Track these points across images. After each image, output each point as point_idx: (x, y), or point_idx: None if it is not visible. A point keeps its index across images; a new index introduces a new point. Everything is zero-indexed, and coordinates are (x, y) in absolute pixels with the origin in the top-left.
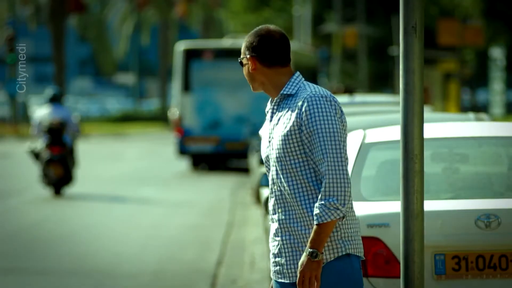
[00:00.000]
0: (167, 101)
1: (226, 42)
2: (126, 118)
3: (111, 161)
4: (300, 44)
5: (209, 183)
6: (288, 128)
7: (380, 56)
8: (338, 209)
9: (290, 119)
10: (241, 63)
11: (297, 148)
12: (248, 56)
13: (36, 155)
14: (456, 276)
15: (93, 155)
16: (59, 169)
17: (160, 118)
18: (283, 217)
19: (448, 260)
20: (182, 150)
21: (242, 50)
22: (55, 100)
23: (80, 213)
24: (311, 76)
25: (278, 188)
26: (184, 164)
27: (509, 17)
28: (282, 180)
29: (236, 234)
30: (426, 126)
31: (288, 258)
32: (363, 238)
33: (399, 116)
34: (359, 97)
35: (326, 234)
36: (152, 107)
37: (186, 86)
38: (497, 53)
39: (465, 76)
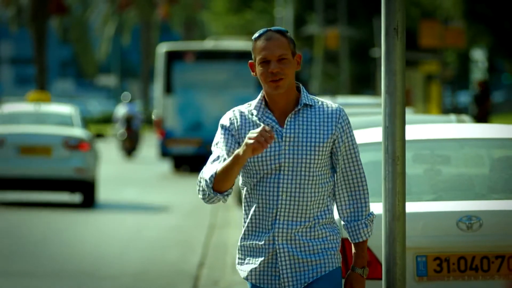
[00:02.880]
0: (149, 103)
1: (208, 44)
2: (108, 120)
3: None
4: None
5: (191, 185)
6: (322, 139)
7: (362, 57)
8: (373, 223)
9: (321, 130)
10: (282, 59)
11: (326, 158)
12: (297, 53)
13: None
14: (437, 277)
15: None
16: (130, 142)
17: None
18: (285, 226)
19: (430, 261)
20: (164, 152)
21: (284, 46)
22: (130, 101)
23: (61, 214)
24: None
25: (289, 196)
26: (166, 166)
27: (490, 19)
28: (301, 189)
29: (218, 235)
30: (408, 127)
31: (286, 267)
32: (345, 239)
33: (380, 118)
34: (341, 99)
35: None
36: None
37: (168, 88)
38: (478, 54)
39: (447, 78)
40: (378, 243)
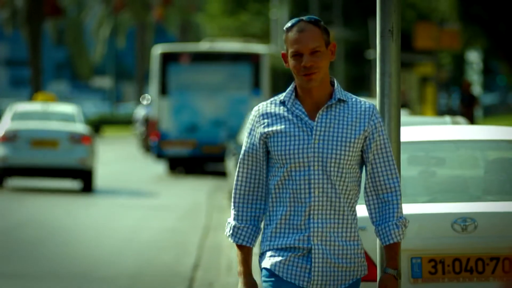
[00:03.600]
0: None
1: (204, 46)
2: (103, 122)
3: None
4: (277, 48)
5: (186, 187)
6: (353, 135)
7: (357, 59)
8: (406, 227)
9: (355, 125)
10: (315, 51)
11: (356, 155)
12: (331, 42)
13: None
14: (432, 279)
15: None
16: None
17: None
18: (320, 224)
19: (424, 263)
20: (159, 154)
21: (317, 37)
22: (148, 104)
23: (57, 215)
24: (288, 80)
25: (322, 193)
26: (161, 167)
27: (485, 21)
28: (332, 185)
29: (213, 237)
30: (403, 129)
31: (318, 269)
32: None
33: None
34: None
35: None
36: (129, 110)
37: (163, 90)
38: (473, 56)
39: (442, 80)
40: (373, 245)
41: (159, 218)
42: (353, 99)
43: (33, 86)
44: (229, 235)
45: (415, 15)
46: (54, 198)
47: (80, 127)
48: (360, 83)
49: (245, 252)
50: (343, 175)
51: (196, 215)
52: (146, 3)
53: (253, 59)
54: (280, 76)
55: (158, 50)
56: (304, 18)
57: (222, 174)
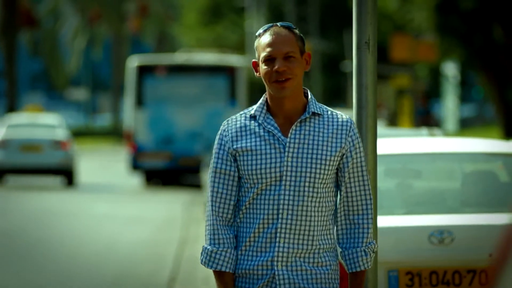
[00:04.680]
0: (119, 116)
1: (180, 58)
2: (79, 133)
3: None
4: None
5: (162, 199)
6: (329, 152)
7: (334, 71)
8: (375, 252)
9: (331, 142)
10: (289, 56)
11: (332, 173)
12: (306, 52)
13: None
14: None
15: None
16: None
17: (112, 133)
18: (286, 249)
19: (401, 276)
20: (135, 166)
21: (291, 42)
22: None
23: (32, 228)
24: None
25: (291, 215)
26: (137, 179)
27: (462, 32)
28: (303, 206)
29: (189, 250)
30: (380, 141)
31: None
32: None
33: None
34: None
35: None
36: (104, 122)
37: (139, 101)
38: (450, 68)
39: (418, 92)
40: None
41: (135, 230)
42: (329, 113)
43: (8, 98)
44: (205, 262)
45: (392, 27)
46: (29, 210)
47: (61, 135)
48: (336, 95)
49: (226, 279)
50: (318, 195)
51: (172, 227)
52: (121, 14)
53: (229, 71)
54: (257, 88)
55: (134, 61)
56: (277, 23)
57: (197, 186)
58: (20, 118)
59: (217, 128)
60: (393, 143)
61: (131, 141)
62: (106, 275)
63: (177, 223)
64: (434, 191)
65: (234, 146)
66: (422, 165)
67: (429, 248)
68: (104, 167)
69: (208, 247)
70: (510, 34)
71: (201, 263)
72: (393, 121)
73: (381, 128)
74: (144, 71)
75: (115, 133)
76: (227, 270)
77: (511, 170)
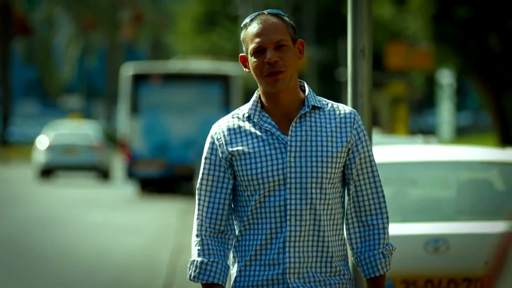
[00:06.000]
0: (113, 124)
1: (174, 66)
2: None
3: (58, 185)
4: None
5: (157, 207)
6: (335, 148)
7: (328, 78)
8: (393, 255)
9: (335, 136)
10: (281, 45)
11: (339, 171)
12: (298, 39)
13: None
14: None
15: (40, 179)
16: None
17: (106, 141)
18: (297, 259)
19: (397, 284)
20: (130, 174)
21: (282, 30)
22: None
23: (26, 236)
24: None
25: (300, 221)
26: (131, 187)
27: (457, 41)
28: (311, 210)
29: (184, 258)
30: (375, 149)
31: None
32: None
33: None
34: None
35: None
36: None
37: (134, 109)
38: (446, 76)
39: (414, 100)
40: None
41: (129, 238)
42: (329, 105)
43: (2, 106)
44: (194, 276)
45: (387, 35)
46: (24, 217)
47: (94, 140)
48: None
49: None
50: (326, 196)
51: (166, 235)
52: (116, 22)
53: (223, 79)
54: (251, 96)
55: (128, 69)
56: (264, 11)
57: (192, 194)
58: (63, 126)
59: None
60: (389, 151)
61: (126, 149)
62: (100, 283)
63: (171, 231)
64: (430, 199)
65: (230, 150)
66: (418, 173)
67: (424, 256)
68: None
69: (197, 258)
70: (506, 42)
71: (190, 279)
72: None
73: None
74: (139, 79)
75: (109, 141)
76: (219, 283)
77: (506, 178)
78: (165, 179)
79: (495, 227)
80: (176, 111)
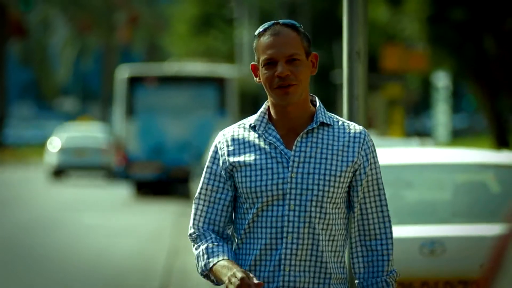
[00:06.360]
0: (109, 126)
1: (170, 68)
2: None
3: (54, 187)
4: (243, 70)
5: (152, 210)
6: (340, 167)
7: (323, 81)
8: (395, 283)
9: (341, 155)
10: (293, 59)
11: (343, 191)
12: (312, 53)
13: None
14: None
15: (36, 181)
16: None
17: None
18: (292, 279)
19: None
20: (126, 176)
21: (295, 43)
22: None
23: (22, 239)
24: (254, 103)
25: (297, 239)
26: (127, 189)
27: (453, 43)
28: (310, 228)
29: (179, 261)
30: None
31: None
32: None
33: None
34: None
35: None
36: None
37: (129, 112)
38: (442, 78)
39: (409, 103)
40: None
41: (125, 241)
42: (340, 123)
43: None
44: (205, 264)
45: (382, 37)
46: (18, 219)
47: (102, 142)
48: (327, 105)
49: (226, 261)
50: (326, 216)
51: (162, 238)
52: (112, 25)
53: (219, 82)
54: (246, 100)
55: (124, 71)
56: (280, 21)
57: (187, 196)
58: (74, 129)
59: (207, 138)
60: (385, 153)
61: (121, 152)
62: (97, 284)
63: (166, 234)
64: (426, 201)
65: (231, 161)
66: (414, 175)
67: (420, 259)
68: (94, 177)
69: (203, 246)
70: (502, 44)
71: (200, 271)
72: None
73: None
74: (134, 81)
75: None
76: (230, 259)
77: (502, 181)
78: (160, 182)
79: (491, 229)
80: (172, 113)
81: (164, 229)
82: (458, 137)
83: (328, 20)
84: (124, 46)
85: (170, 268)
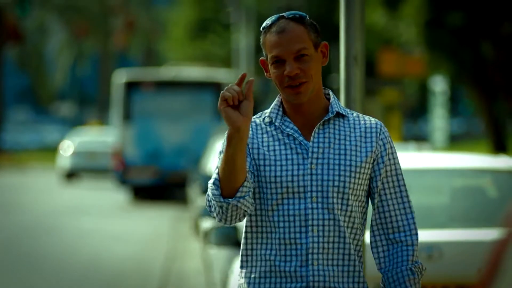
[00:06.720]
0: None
1: (167, 73)
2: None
3: (51, 191)
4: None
5: (149, 214)
6: (359, 157)
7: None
8: (423, 275)
9: (360, 145)
10: (301, 55)
11: (364, 183)
12: (321, 42)
13: None
14: None
15: (33, 186)
16: None
17: None
18: (322, 272)
19: None
20: (122, 181)
21: (302, 37)
22: None
23: (19, 243)
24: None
25: (322, 232)
26: (124, 194)
27: (450, 48)
28: (335, 220)
29: (176, 265)
30: None
31: None
32: None
33: None
34: None
35: None
36: None
37: (126, 117)
38: (439, 83)
39: (407, 108)
40: None
41: (121, 246)
42: (354, 114)
43: None
44: (214, 184)
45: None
46: (14, 227)
47: (110, 146)
48: None
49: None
50: (349, 208)
51: (158, 243)
52: (108, 30)
53: (216, 87)
54: None
55: (120, 76)
56: (285, 14)
57: (184, 201)
58: (86, 133)
59: (204, 143)
60: None
61: (118, 156)
62: None
63: (163, 239)
64: (423, 206)
65: (253, 146)
66: (411, 180)
67: None
68: (91, 182)
69: (213, 177)
70: (499, 49)
71: (212, 189)
72: None
73: None
74: (131, 86)
75: None
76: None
77: (499, 185)
78: (157, 187)
79: (488, 234)
80: (169, 118)
81: (161, 233)
82: (455, 141)
83: (325, 25)
84: (121, 51)
85: (167, 272)
